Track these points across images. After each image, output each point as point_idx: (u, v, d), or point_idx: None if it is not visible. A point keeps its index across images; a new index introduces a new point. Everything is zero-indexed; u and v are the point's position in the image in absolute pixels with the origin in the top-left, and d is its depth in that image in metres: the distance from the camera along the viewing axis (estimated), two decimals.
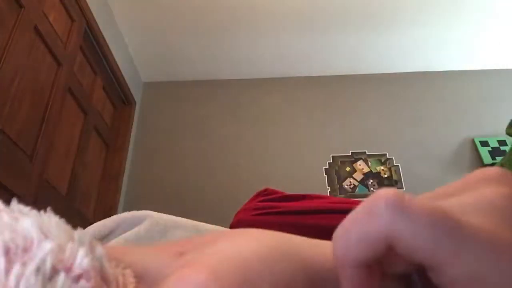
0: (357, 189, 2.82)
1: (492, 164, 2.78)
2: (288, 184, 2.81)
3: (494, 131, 3.01)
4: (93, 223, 0.59)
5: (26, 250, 0.14)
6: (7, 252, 0.14)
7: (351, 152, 2.98)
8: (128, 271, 0.17)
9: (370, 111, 3.17)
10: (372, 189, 2.82)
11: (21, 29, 1.63)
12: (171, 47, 3.03)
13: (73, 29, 2.12)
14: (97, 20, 2.42)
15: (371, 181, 2.85)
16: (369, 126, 3.09)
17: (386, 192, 0.16)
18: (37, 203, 1.72)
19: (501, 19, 2.82)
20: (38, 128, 1.74)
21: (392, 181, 2.84)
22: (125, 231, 0.58)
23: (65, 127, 2.08)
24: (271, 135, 3.07)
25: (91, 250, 0.16)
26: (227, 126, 3.13)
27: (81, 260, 0.15)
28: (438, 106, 3.17)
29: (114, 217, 0.60)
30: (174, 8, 2.67)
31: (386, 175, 2.87)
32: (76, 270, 0.14)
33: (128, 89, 2.97)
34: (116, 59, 2.74)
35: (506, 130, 0.64)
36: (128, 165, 2.91)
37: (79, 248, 0.15)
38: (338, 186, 2.83)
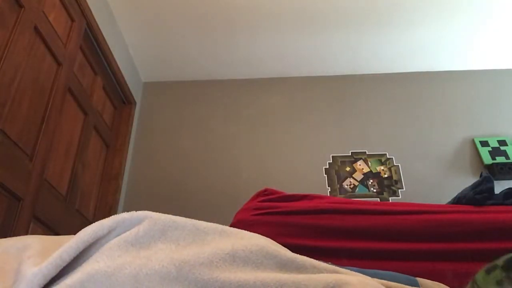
0: (357, 189, 2.82)
1: (492, 164, 2.78)
2: (288, 184, 2.81)
3: (494, 131, 3.01)
4: (93, 223, 0.59)
5: None
6: None
7: (351, 152, 2.98)
8: None
9: (370, 111, 3.17)
10: (372, 189, 2.82)
11: (21, 29, 1.63)
12: (171, 47, 3.03)
13: (73, 29, 2.12)
14: (97, 20, 2.42)
15: (371, 181, 2.85)
16: (369, 126, 3.09)
17: None
18: (37, 203, 1.72)
19: (501, 19, 2.82)
20: (38, 128, 1.74)
21: (392, 181, 2.84)
22: (124, 231, 0.58)
23: (65, 127, 2.08)
24: (271, 135, 3.07)
25: None
26: (227, 126, 3.13)
27: None
28: (438, 106, 3.17)
29: (113, 217, 0.60)
30: (174, 8, 2.67)
31: (386, 175, 2.87)
32: None
33: (128, 89, 2.97)
34: (116, 59, 2.74)
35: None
36: (128, 165, 2.91)
37: None
38: (338, 186, 2.83)
